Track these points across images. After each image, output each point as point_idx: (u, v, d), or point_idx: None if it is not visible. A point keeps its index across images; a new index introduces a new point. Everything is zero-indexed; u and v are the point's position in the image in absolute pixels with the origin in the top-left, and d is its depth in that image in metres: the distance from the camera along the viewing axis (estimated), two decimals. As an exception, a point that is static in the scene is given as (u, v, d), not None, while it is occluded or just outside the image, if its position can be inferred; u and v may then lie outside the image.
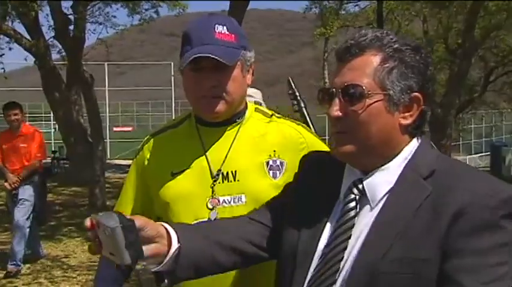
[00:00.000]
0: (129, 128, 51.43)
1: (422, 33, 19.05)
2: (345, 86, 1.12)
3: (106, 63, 22.84)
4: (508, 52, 17.69)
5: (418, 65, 1.13)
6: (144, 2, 12.84)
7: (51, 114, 28.21)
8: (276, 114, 1.68)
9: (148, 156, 1.66)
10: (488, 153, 22.90)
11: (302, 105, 2.50)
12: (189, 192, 1.55)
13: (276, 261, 1.29)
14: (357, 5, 19.66)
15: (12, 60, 11.28)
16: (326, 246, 1.15)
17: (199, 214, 1.53)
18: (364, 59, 1.13)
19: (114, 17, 12.78)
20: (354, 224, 1.13)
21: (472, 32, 13.09)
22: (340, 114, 1.13)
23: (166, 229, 1.20)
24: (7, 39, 10.24)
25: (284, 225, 1.27)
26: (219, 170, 1.56)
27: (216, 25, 1.52)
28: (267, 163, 1.57)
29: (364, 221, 1.12)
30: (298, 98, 2.52)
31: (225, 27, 1.53)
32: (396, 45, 1.13)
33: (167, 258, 1.18)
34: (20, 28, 10.01)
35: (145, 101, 60.57)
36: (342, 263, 1.11)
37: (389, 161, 1.14)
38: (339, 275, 1.10)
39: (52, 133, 27.40)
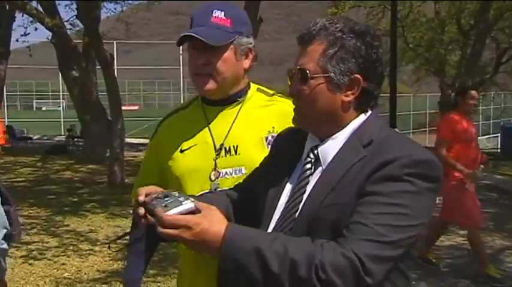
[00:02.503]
0: (136, 107, 51.56)
1: (434, 14, 18.92)
2: (297, 69, 1.34)
3: (115, 42, 22.84)
4: (521, 33, 17.58)
5: (358, 50, 1.30)
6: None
7: (60, 93, 28.56)
8: (277, 94, 1.83)
9: (161, 137, 1.85)
10: (496, 135, 22.88)
11: None
12: (195, 166, 1.72)
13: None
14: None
15: (31, 39, 11.41)
16: (286, 202, 1.36)
17: (204, 186, 1.70)
18: (313, 46, 1.33)
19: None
20: (308, 182, 1.34)
21: (487, 13, 13.04)
22: (294, 92, 1.35)
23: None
24: (31, 18, 10.35)
25: (257, 185, 1.48)
26: (222, 144, 1.72)
27: (214, 10, 1.68)
28: (266, 138, 1.72)
29: (315, 180, 1.33)
30: None
31: (222, 13, 1.68)
32: (339, 34, 1.31)
33: None
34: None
35: (151, 79, 60.60)
36: (297, 214, 1.31)
37: (339, 131, 1.34)
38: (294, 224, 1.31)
39: (61, 112, 27.63)
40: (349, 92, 1.32)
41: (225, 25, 1.67)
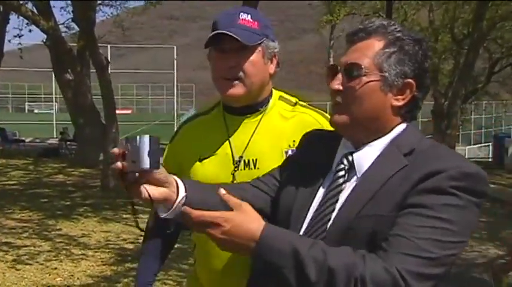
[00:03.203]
0: (129, 111, 51.42)
1: (428, 23, 19.05)
2: (347, 64, 1.26)
3: (109, 46, 22.76)
4: (513, 43, 17.75)
5: (416, 55, 1.26)
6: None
7: (53, 95, 28.41)
8: (300, 102, 1.77)
9: (181, 141, 1.80)
10: (488, 144, 23.03)
11: None
12: (213, 177, 1.66)
13: None
14: (364, -8, 19.60)
15: (23, 41, 11.35)
16: (316, 210, 1.28)
17: None
18: (369, 42, 1.27)
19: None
20: (341, 190, 1.26)
21: (481, 23, 13.11)
22: (340, 87, 1.26)
23: (175, 179, 1.31)
24: (26, 20, 10.31)
25: (281, 193, 1.40)
26: (241, 157, 1.67)
27: (241, 13, 1.64)
28: (286, 152, 1.66)
29: (350, 188, 1.25)
30: None
31: (249, 15, 1.64)
32: (399, 34, 1.26)
33: (175, 205, 1.28)
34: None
35: (144, 84, 60.52)
36: (329, 224, 1.23)
37: (378, 139, 1.27)
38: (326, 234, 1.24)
39: (54, 114, 27.48)
40: (399, 97, 1.26)
41: (253, 27, 1.63)
